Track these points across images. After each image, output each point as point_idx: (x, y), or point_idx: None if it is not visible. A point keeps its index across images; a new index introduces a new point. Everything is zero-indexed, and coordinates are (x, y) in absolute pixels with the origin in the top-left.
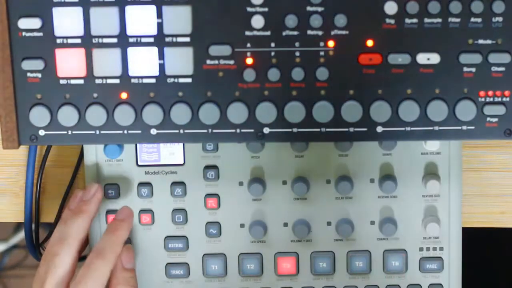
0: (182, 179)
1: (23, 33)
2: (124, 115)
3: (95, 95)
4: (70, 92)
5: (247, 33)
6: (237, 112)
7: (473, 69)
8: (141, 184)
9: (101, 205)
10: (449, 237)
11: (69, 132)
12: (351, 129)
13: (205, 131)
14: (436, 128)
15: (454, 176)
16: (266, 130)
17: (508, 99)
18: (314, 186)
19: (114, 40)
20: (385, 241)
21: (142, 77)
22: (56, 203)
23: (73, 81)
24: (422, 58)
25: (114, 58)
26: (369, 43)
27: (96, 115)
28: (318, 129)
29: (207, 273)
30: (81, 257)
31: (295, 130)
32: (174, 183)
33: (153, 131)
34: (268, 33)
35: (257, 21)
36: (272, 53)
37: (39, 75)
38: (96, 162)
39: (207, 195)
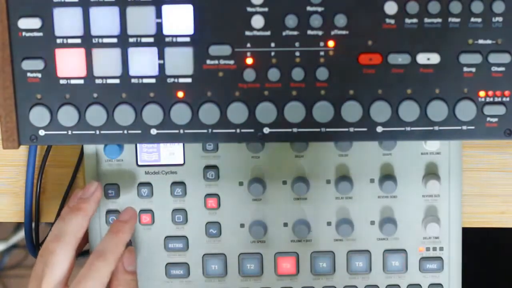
0: (182, 179)
1: (23, 33)
2: (124, 115)
3: (95, 95)
4: (70, 92)
5: (247, 33)
6: (237, 112)
7: (473, 69)
8: (141, 184)
9: (101, 205)
10: (449, 237)
11: (69, 132)
12: (351, 129)
13: (205, 131)
14: (436, 128)
15: (454, 176)
16: (266, 130)
17: (508, 99)
18: (314, 186)
19: (114, 40)
20: (385, 241)
21: (142, 77)
22: (56, 203)
23: (73, 81)
24: (422, 58)
25: (114, 58)
26: (369, 43)
27: (96, 115)
28: (318, 129)
29: (207, 273)
30: (82, 253)
31: (295, 130)
32: (174, 183)
33: (153, 131)
34: (268, 33)
35: (257, 21)
36: (272, 53)
37: (39, 75)
38: (96, 162)
39: (207, 195)
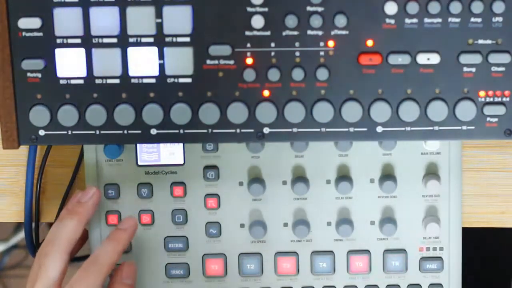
0: (182, 179)
1: (23, 33)
2: (124, 115)
3: (95, 95)
4: (70, 92)
5: (247, 33)
6: (237, 112)
7: (473, 69)
8: (141, 184)
9: (101, 206)
10: (449, 237)
11: (69, 132)
12: (351, 129)
13: (205, 131)
14: (436, 128)
15: (454, 176)
16: (266, 130)
17: (508, 99)
18: (314, 186)
19: (114, 40)
20: (385, 241)
21: (142, 77)
22: (56, 203)
23: (73, 81)
24: (422, 58)
25: (114, 58)
26: (369, 43)
27: (96, 115)
28: (318, 129)
29: (207, 273)
30: (81, 257)
31: (295, 130)
32: (174, 183)
33: (153, 131)
34: (268, 33)
35: (257, 21)
36: (272, 53)
37: (39, 75)
38: (96, 162)
39: (207, 195)
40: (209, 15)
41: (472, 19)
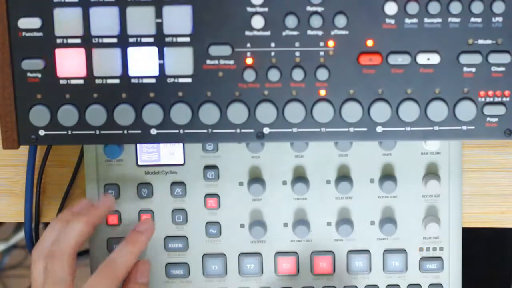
0: (182, 179)
1: (23, 33)
2: (124, 115)
3: (95, 95)
4: (70, 92)
5: (247, 33)
6: (237, 112)
7: (473, 69)
8: (141, 184)
9: None
10: (449, 237)
11: (69, 132)
12: (351, 129)
13: (205, 131)
14: (436, 128)
15: (454, 176)
16: (266, 130)
17: (508, 99)
18: (314, 186)
19: (114, 40)
20: (385, 241)
21: (142, 77)
22: (56, 203)
23: (73, 81)
24: (422, 58)
25: (114, 58)
26: (369, 43)
27: (96, 115)
28: (318, 129)
29: (207, 273)
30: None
31: (295, 130)
32: (174, 183)
33: (153, 131)
34: (268, 33)
35: (257, 21)
36: (272, 53)
37: (39, 75)
38: (96, 162)
39: (207, 195)
40: (209, 15)
41: (472, 19)
